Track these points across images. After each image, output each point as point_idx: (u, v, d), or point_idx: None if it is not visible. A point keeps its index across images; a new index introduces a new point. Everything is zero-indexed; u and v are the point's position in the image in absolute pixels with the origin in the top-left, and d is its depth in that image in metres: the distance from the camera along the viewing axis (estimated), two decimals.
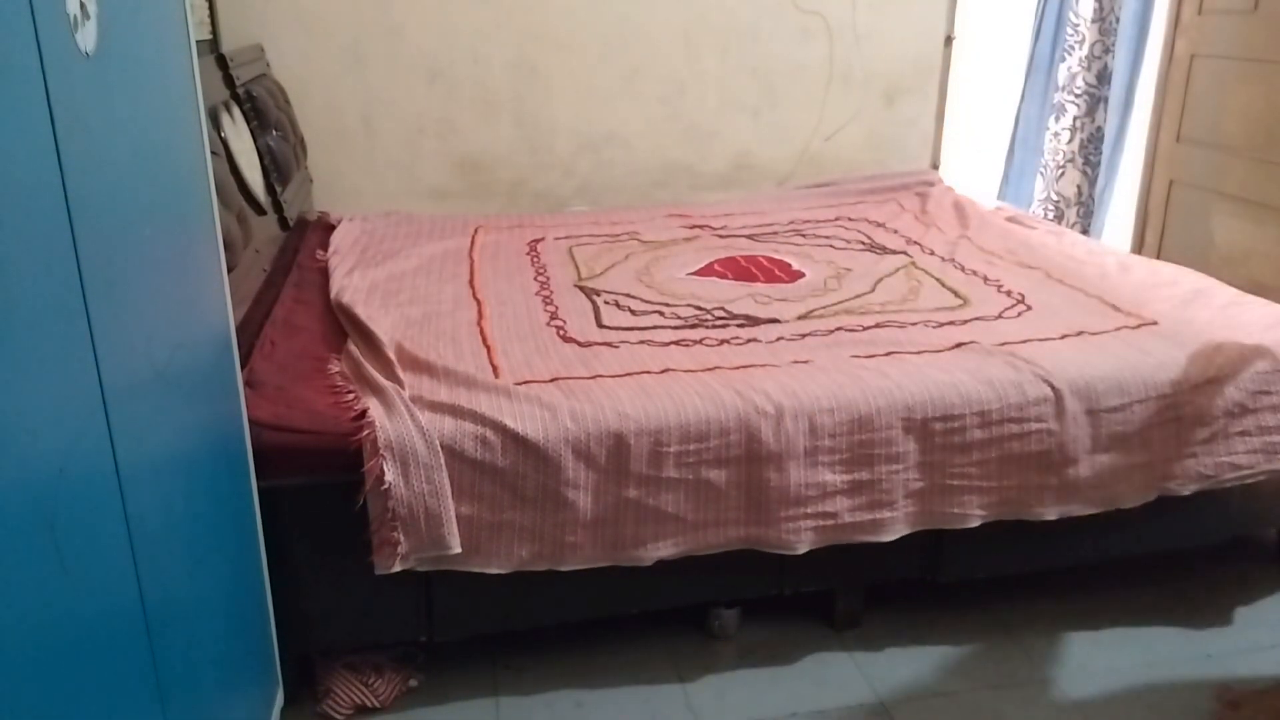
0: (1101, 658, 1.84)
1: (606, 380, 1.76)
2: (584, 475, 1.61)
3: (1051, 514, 1.79)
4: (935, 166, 3.63)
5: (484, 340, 1.97)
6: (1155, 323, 2.06)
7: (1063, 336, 1.99)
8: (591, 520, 1.62)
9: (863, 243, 2.78)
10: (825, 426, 1.67)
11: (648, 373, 1.79)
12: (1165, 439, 1.83)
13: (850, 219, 3.06)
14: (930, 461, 1.73)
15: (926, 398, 1.72)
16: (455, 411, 1.61)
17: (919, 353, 1.90)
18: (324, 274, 2.40)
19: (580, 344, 1.96)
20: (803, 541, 1.69)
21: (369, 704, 1.68)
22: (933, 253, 2.65)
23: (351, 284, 2.26)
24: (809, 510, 1.69)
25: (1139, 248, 3.40)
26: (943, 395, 1.73)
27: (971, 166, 3.84)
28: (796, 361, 1.85)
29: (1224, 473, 1.87)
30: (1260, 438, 1.89)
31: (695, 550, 1.68)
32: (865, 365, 1.82)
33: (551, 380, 1.76)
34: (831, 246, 2.75)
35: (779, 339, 1.99)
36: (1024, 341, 1.95)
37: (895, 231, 2.89)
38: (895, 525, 1.74)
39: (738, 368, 1.82)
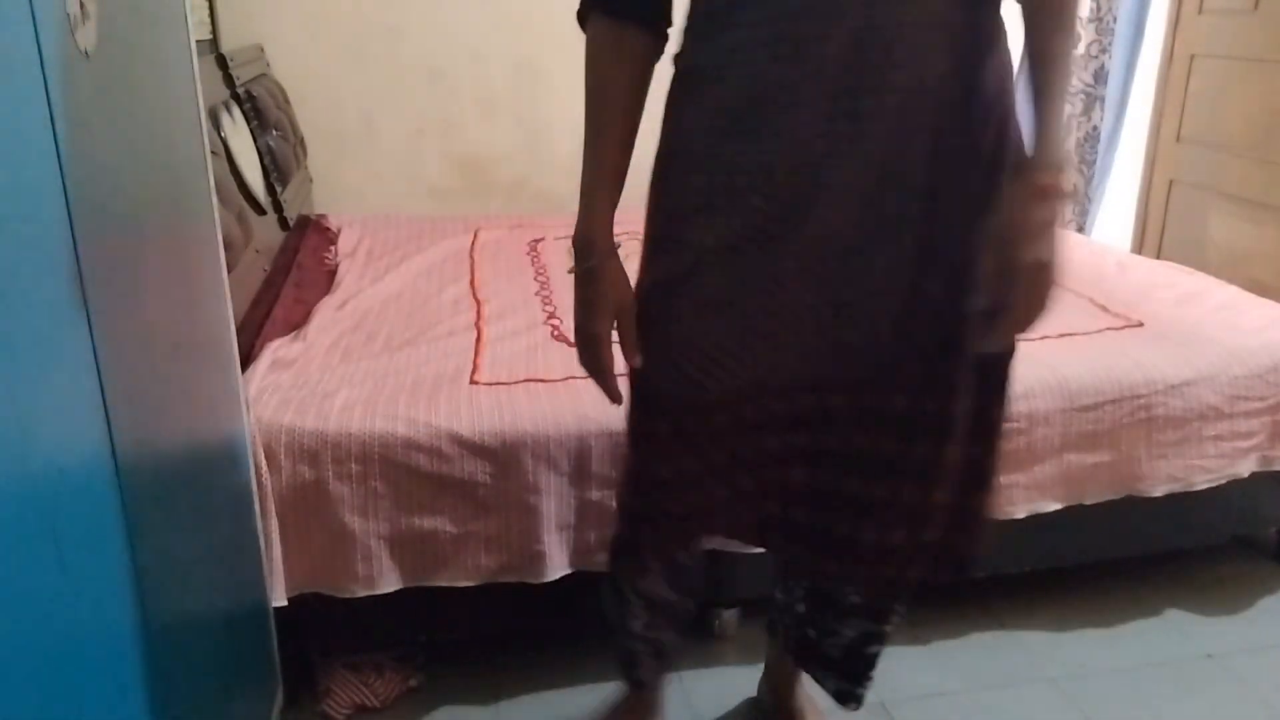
0: (1101, 657, 1.84)
1: (576, 381, 1.75)
2: (546, 479, 1.60)
3: (1019, 512, 1.79)
4: None
5: (477, 340, 1.96)
6: (1141, 324, 2.06)
7: (1043, 337, 1.99)
8: (557, 526, 1.62)
9: None
10: None
11: (620, 375, 1.77)
12: (1135, 440, 1.83)
13: None
14: None
15: None
16: (409, 422, 1.59)
17: None
18: (329, 275, 2.41)
19: (570, 344, 1.95)
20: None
21: (369, 704, 1.68)
22: None
23: (366, 294, 2.26)
24: None
25: (1139, 247, 3.40)
26: None
27: None
28: None
29: (1193, 475, 1.87)
30: (1230, 443, 1.89)
31: None
32: None
33: (521, 382, 1.75)
34: None
35: None
36: None
37: None
38: None
39: None
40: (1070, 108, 3.60)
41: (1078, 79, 3.56)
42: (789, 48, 0.99)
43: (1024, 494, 1.79)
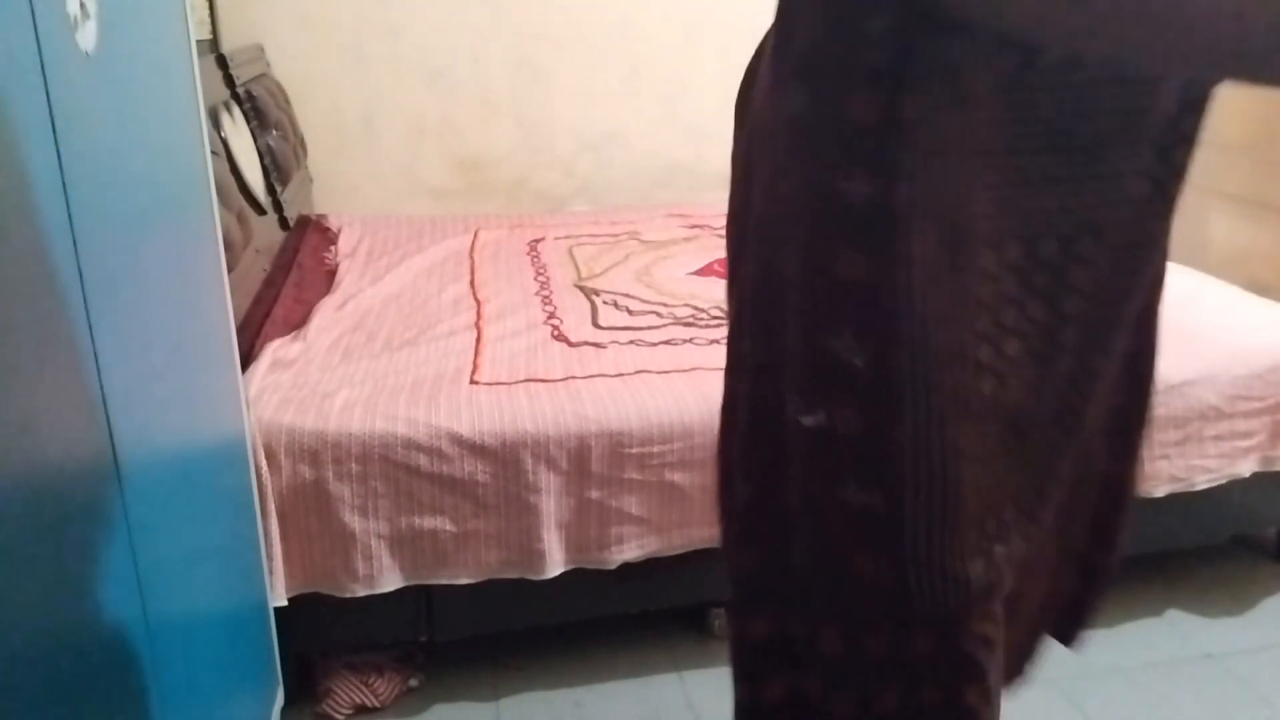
0: (1102, 657, 1.84)
1: (576, 381, 1.75)
2: (545, 478, 1.60)
3: None
4: None
5: (477, 340, 1.96)
6: None
7: None
8: (556, 524, 1.62)
9: None
10: None
11: (620, 375, 1.79)
12: None
13: None
14: None
15: None
16: (409, 422, 1.59)
17: None
18: (329, 275, 2.41)
19: (570, 344, 1.96)
20: None
21: (369, 704, 1.68)
22: None
23: (366, 294, 2.26)
24: None
25: None
26: None
27: None
28: None
29: (1195, 475, 1.87)
30: (1230, 442, 1.89)
31: (660, 552, 1.68)
32: None
33: (521, 382, 1.76)
34: None
35: None
36: None
37: None
38: None
39: (716, 369, 1.81)
40: None
41: None
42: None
43: None
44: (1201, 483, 1.88)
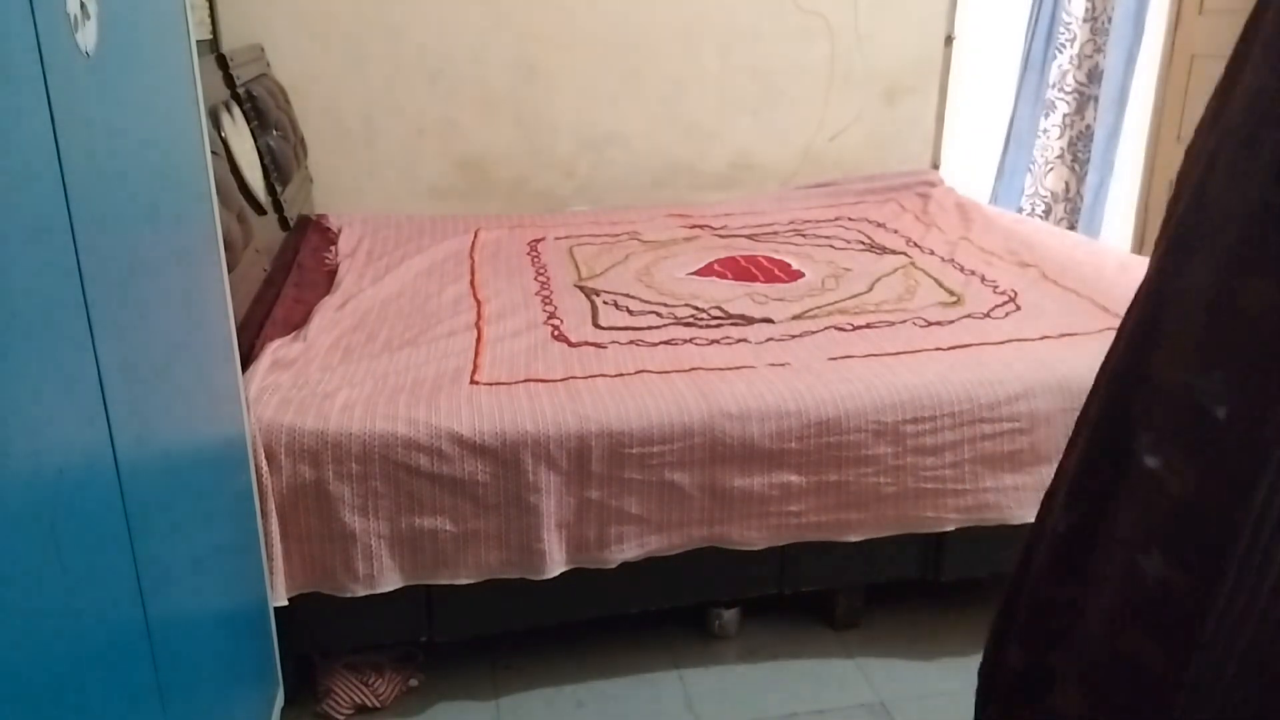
0: None
1: (576, 381, 1.75)
2: (545, 478, 1.61)
3: (1024, 514, 1.78)
4: (935, 166, 3.63)
5: (477, 340, 1.96)
6: None
7: (1043, 337, 1.99)
8: (556, 524, 1.63)
9: (863, 243, 2.78)
10: (792, 430, 1.67)
11: (621, 375, 1.79)
12: None
13: (850, 219, 3.06)
14: (902, 465, 1.73)
15: (898, 400, 1.72)
16: (409, 422, 1.59)
17: (899, 354, 1.90)
18: (329, 275, 2.41)
19: (570, 344, 1.96)
20: (762, 539, 1.71)
21: (369, 704, 1.68)
22: (932, 252, 2.65)
23: (367, 294, 2.26)
24: (771, 510, 1.69)
25: (1139, 248, 3.41)
26: (915, 397, 1.73)
27: (971, 166, 3.84)
28: (774, 364, 1.85)
29: None
30: None
31: (660, 551, 1.68)
32: (841, 367, 1.82)
33: (521, 382, 1.76)
34: (831, 246, 2.75)
35: (769, 339, 1.99)
36: (1005, 342, 1.96)
37: (895, 231, 2.90)
38: (863, 527, 1.74)
39: (716, 369, 1.82)
40: (1065, 106, 3.62)
41: (1072, 78, 3.57)
42: None
43: (1028, 496, 1.78)
44: None
